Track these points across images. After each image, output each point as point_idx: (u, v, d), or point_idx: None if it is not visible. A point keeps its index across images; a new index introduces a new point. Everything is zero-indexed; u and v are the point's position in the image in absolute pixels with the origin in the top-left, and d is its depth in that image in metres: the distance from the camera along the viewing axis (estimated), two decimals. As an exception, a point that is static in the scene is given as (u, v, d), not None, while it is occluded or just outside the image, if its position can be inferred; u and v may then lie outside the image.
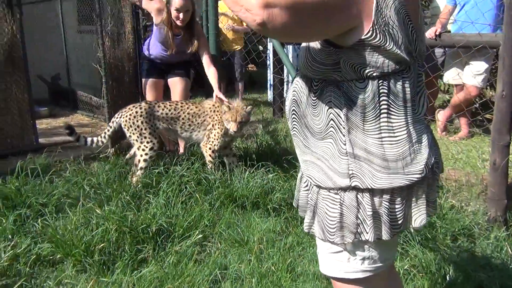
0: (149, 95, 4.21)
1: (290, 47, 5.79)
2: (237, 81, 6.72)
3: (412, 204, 1.36)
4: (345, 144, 1.30)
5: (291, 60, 4.56)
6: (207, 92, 4.39)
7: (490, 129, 3.01)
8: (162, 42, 4.06)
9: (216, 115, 3.71)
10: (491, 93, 6.25)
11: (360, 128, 1.29)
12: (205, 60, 3.99)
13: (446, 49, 4.90)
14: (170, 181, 3.35)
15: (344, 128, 1.30)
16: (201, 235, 2.77)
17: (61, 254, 2.52)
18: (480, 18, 4.16)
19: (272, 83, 6.37)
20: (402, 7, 1.21)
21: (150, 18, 4.27)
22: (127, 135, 3.69)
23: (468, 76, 4.66)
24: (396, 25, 1.19)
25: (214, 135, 3.69)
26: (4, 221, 2.74)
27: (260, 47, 7.96)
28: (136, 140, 3.63)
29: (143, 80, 4.28)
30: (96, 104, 5.80)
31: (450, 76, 4.90)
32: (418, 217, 1.37)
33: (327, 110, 1.31)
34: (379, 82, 1.25)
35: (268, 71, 6.73)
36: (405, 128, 1.30)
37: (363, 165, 1.30)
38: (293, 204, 1.67)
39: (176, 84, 4.20)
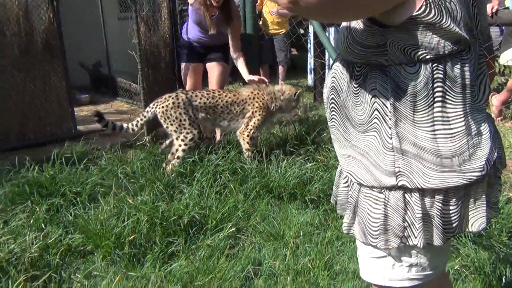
0: (189, 80, 4.12)
1: (332, 29, 5.54)
2: (280, 65, 6.54)
3: (470, 205, 1.17)
4: (391, 138, 1.12)
5: (332, 43, 4.33)
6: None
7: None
8: (197, 22, 3.95)
9: (256, 101, 3.65)
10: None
11: (409, 119, 1.10)
12: (233, 44, 3.94)
13: (504, 27, 4.52)
14: (205, 171, 3.24)
15: (390, 119, 1.11)
16: (235, 228, 2.64)
17: (92, 245, 2.47)
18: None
19: (312, 67, 6.14)
20: None
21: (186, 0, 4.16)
22: (164, 125, 3.57)
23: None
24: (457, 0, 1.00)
25: (254, 123, 3.62)
26: (37, 209, 2.72)
27: (301, 30, 7.71)
28: (175, 131, 3.51)
29: (182, 65, 4.19)
30: (135, 90, 5.79)
31: (509, 56, 4.51)
32: (477, 220, 1.18)
33: (371, 99, 1.13)
34: (434, 65, 1.06)
35: (309, 54, 6.49)
36: (463, 119, 1.10)
37: (412, 162, 1.11)
38: (331, 200, 1.50)
39: (213, 69, 4.09)
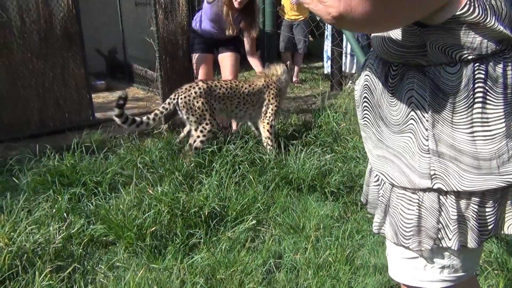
0: (201, 70, 4.09)
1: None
2: (297, 52, 6.48)
3: (507, 207, 1.15)
4: (427, 140, 1.10)
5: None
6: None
7: None
8: (212, 20, 3.90)
9: (271, 89, 3.72)
10: None
11: (447, 121, 1.07)
12: (249, 49, 4.00)
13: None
14: (223, 161, 3.24)
15: (427, 120, 1.09)
16: (255, 220, 2.64)
17: (114, 236, 2.49)
18: None
19: (330, 55, 6.07)
20: None
21: None
22: (185, 116, 3.51)
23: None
24: None
25: (272, 109, 3.70)
26: (60, 199, 2.74)
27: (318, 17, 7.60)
28: (195, 122, 3.48)
29: (193, 55, 4.16)
30: (151, 77, 5.79)
31: None
32: None
33: (408, 99, 1.10)
34: (475, 65, 1.03)
35: (326, 42, 6.41)
36: (503, 120, 1.06)
37: (449, 165, 1.09)
38: (362, 199, 1.48)
39: (226, 59, 4.06)
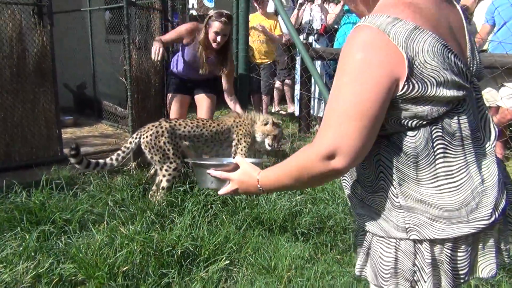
0: (174, 111, 4.14)
1: (318, 62, 5.69)
2: (263, 94, 6.65)
3: (479, 252, 1.23)
4: (397, 197, 1.19)
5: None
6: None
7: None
8: (190, 61, 4.01)
9: (239, 129, 3.76)
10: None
11: (412, 178, 1.17)
12: (227, 89, 4.06)
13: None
14: (196, 200, 3.26)
15: (394, 180, 1.18)
16: (228, 260, 2.66)
17: (84, 276, 2.45)
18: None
19: (299, 98, 6.27)
20: (437, 41, 1.07)
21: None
22: (149, 156, 3.54)
23: (503, 99, 4.48)
24: (436, 65, 1.06)
25: (241, 150, 3.72)
26: (27, 237, 2.68)
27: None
28: (159, 161, 3.50)
29: (169, 95, 4.23)
30: (121, 114, 5.78)
31: (489, 97, 4.70)
32: (486, 266, 1.23)
33: (376, 162, 1.20)
34: (432, 127, 1.12)
35: (296, 85, 6.63)
36: (465, 169, 1.15)
37: (420, 217, 1.17)
38: (354, 252, 1.54)
39: (202, 101, 4.14)
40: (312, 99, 5.77)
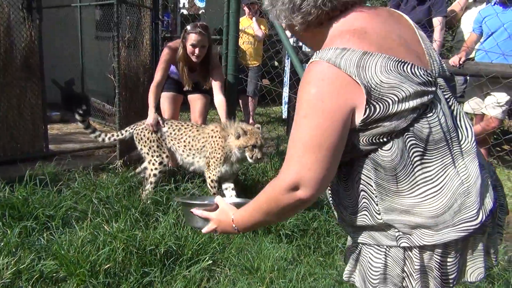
0: (166, 108, 4.10)
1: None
2: (250, 96, 6.65)
3: (468, 256, 1.24)
4: (379, 214, 1.21)
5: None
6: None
7: (508, 159, 2.88)
8: (178, 78, 4.00)
9: (214, 140, 3.39)
10: (510, 123, 6.13)
11: (392, 191, 1.18)
12: (216, 86, 3.78)
13: (468, 77, 4.80)
14: (181, 199, 3.25)
15: (376, 196, 1.20)
16: (211, 260, 2.66)
17: (65, 273, 2.43)
18: (506, 48, 4.07)
19: (287, 100, 6.30)
20: (388, 59, 1.11)
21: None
22: (138, 148, 3.67)
23: (488, 107, 4.55)
24: (392, 83, 1.09)
25: (213, 163, 3.38)
26: (9, 232, 2.65)
27: (276, 63, 7.90)
28: (147, 154, 3.61)
29: (162, 92, 4.18)
30: (109, 111, 5.75)
31: (474, 106, 4.76)
32: (475, 270, 1.25)
33: (357, 182, 1.22)
34: (405, 137, 1.14)
35: (284, 88, 6.66)
36: (442, 173, 1.16)
37: (407, 225, 1.19)
38: (343, 260, 1.55)
39: (196, 101, 4.08)
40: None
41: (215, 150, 3.36)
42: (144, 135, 3.61)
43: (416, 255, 1.20)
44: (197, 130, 3.53)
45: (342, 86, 1.10)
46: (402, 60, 1.12)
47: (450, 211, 1.16)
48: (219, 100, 3.72)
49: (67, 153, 4.35)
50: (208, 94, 4.07)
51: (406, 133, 1.13)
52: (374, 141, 1.14)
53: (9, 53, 3.87)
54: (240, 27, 4.83)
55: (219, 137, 3.36)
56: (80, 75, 6.41)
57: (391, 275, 1.24)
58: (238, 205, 1.40)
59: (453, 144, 1.19)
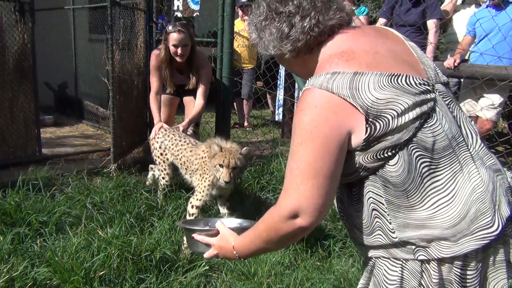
0: (163, 112, 4.06)
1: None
2: (245, 99, 6.63)
3: (489, 268, 1.20)
4: (393, 232, 1.19)
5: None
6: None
7: (501, 161, 2.87)
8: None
9: (204, 162, 3.06)
10: (504, 124, 6.14)
11: (405, 206, 1.16)
12: (199, 91, 3.75)
13: (462, 79, 4.80)
14: (176, 204, 3.22)
15: (388, 214, 1.18)
16: (207, 266, 2.63)
17: (59, 280, 2.39)
18: (500, 50, 4.08)
19: (282, 103, 6.28)
20: (380, 75, 1.10)
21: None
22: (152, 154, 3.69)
23: (482, 109, 4.55)
24: (388, 98, 1.09)
25: (200, 187, 3.05)
26: (1, 239, 2.61)
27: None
28: (155, 159, 3.61)
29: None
30: (102, 115, 5.71)
31: (469, 108, 4.76)
32: (498, 283, 1.21)
33: (368, 200, 1.21)
34: (409, 149, 1.12)
35: (278, 90, 6.64)
36: (452, 181, 1.14)
37: (424, 239, 1.16)
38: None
39: (190, 103, 4.04)
40: (295, 104, 5.78)
41: (202, 174, 3.06)
42: (152, 144, 3.61)
43: (434, 268, 1.17)
44: (191, 151, 3.26)
45: (336, 110, 1.10)
46: (395, 74, 1.12)
47: (467, 219, 1.13)
48: (197, 104, 3.73)
49: (61, 157, 4.30)
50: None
51: (410, 145, 1.12)
52: (379, 156, 1.13)
53: (1, 56, 3.83)
54: (235, 30, 4.80)
55: (208, 159, 3.00)
56: (74, 78, 6.36)
57: None
58: (238, 230, 1.40)
59: (461, 150, 1.17)
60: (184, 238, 1.73)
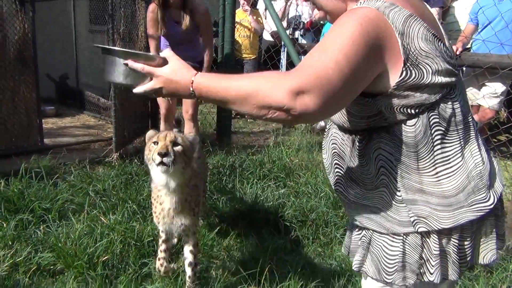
0: (161, 101, 4.09)
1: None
2: None
3: (481, 239, 1.26)
4: (399, 191, 1.20)
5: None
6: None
7: (504, 150, 2.87)
8: (166, 36, 3.96)
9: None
10: (505, 114, 6.13)
11: (413, 168, 1.18)
12: (204, 40, 3.91)
13: (464, 68, 4.79)
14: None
15: (396, 172, 1.19)
16: (210, 251, 2.64)
17: (62, 265, 2.41)
18: (503, 38, 4.06)
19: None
20: (428, 31, 1.10)
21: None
22: None
23: (484, 97, 4.54)
24: (429, 52, 1.09)
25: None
26: (5, 226, 2.63)
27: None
28: None
29: None
30: (104, 105, 5.71)
31: (472, 97, 4.75)
32: (488, 252, 1.26)
33: (376, 157, 1.20)
34: (429, 113, 1.14)
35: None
36: (460, 154, 1.18)
37: (423, 208, 1.19)
38: (343, 251, 1.51)
39: None
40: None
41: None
42: None
43: (434, 240, 1.20)
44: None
45: (386, 36, 1.06)
46: (437, 36, 1.12)
47: (464, 192, 1.18)
48: (208, 54, 3.90)
49: (62, 146, 4.31)
50: None
51: (431, 111, 1.13)
52: (402, 111, 1.12)
53: (2, 46, 3.83)
54: (236, 20, 4.79)
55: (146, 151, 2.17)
56: (75, 69, 6.35)
57: (409, 262, 1.23)
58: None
59: (470, 128, 1.21)
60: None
